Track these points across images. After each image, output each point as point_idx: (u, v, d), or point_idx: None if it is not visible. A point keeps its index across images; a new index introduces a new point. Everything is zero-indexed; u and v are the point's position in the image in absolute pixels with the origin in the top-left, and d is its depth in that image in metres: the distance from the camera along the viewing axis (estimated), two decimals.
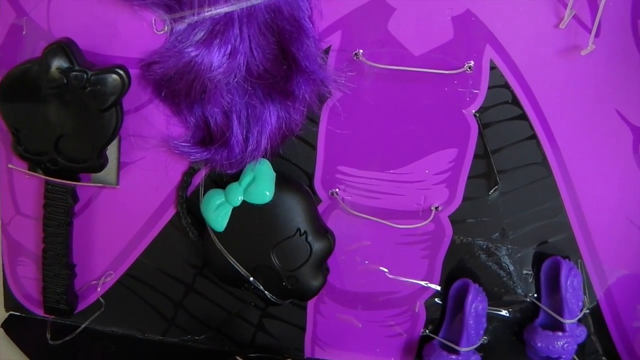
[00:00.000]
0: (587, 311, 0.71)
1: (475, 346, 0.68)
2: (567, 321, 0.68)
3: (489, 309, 0.70)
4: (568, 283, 0.67)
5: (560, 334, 0.68)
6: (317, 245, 0.63)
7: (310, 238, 0.62)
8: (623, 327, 0.71)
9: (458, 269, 0.69)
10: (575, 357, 0.71)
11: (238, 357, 0.68)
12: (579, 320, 0.70)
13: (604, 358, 0.73)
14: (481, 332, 0.69)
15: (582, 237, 0.68)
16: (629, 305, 0.71)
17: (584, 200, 0.67)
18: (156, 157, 0.66)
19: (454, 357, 0.67)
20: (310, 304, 0.69)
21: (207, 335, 0.71)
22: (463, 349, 0.67)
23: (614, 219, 0.68)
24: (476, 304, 0.67)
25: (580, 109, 0.65)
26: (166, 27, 0.62)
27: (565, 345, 0.68)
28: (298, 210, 0.63)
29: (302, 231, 0.62)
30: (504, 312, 0.71)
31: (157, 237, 0.69)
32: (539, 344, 0.68)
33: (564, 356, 0.68)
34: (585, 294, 0.70)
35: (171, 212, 0.68)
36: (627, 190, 0.67)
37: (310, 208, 0.63)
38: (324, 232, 0.64)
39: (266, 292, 0.64)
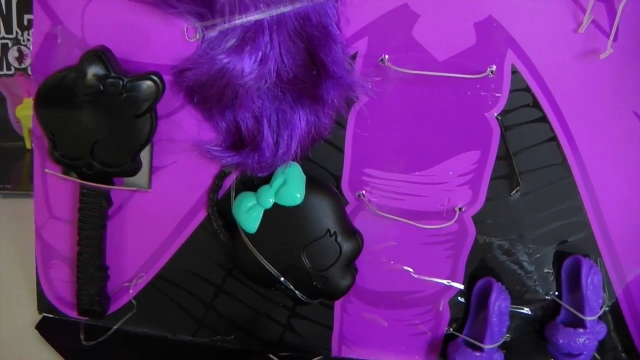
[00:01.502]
0: (607, 308, 0.75)
1: (498, 344, 0.73)
2: (588, 318, 0.72)
3: (511, 307, 0.74)
4: (589, 281, 0.72)
5: (581, 330, 0.72)
6: (347, 246, 0.67)
7: (339, 238, 0.67)
8: None
9: (481, 268, 0.74)
10: (596, 353, 0.76)
11: (271, 356, 0.73)
12: (599, 318, 0.74)
13: (623, 354, 0.77)
14: (504, 329, 0.73)
15: (601, 236, 0.73)
16: None
17: (602, 200, 0.72)
18: (187, 161, 0.70)
19: (478, 354, 0.72)
20: (337, 303, 0.74)
21: (236, 335, 0.76)
22: (487, 346, 0.72)
23: (632, 218, 0.73)
24: (499, 302, 0.71)
25: (599, 111, 0.69)
26: (198, 35, 0.67)
27: (587, 341, 0.72)
28: (327, 212, 0.67)
29: (332, 232, 0.67)
30: (525, 310, 0.75)
31: (188, 239, 0.73)
32: (560, 341, 0.73)
33: (585, 352, 0.73)
34: (605, 291, 0.74)
35: (202, 215, 0.72)
36: None
37: (339, 209, 0.68)
38: (352, 232, 0.68)
39: (297, 292, 0.68)
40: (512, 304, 0.74)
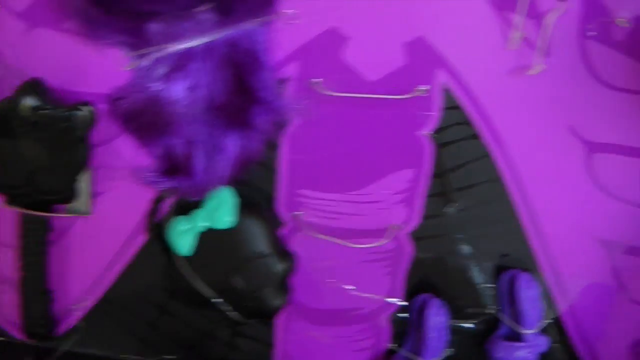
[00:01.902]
0: (551, 321, 0.76)
1: (438, 358, 0.74)
2: (526, 332, 0.74)
3: (453, 322, 0.76)
4: (525, 295, 0.73)
5: (519, 344, 0.74)
6: (279, 267, 0.69)
7: (271, 260, 0.69)
8: (586, 335, 0.77)
9: (422, 284, 0.75)
10: None
11: None
12: (542, 331, 0.76)
13: None
14: (443, 344, 0.75)
15: (541, 250, 0.74)
16: (590, 314, 0.77)
17: (540, 214, 0.73)
18: (127, 186, 0.72)
19: None
20: (280, 322, 0.76)
21: (180, 355, 0.78)
22: None
23: (571, 232, 0.74)
24: (436, 317, 0.73)
25: (534, 127, 0.71)
26: (132, 64, 0.68)
27: (526, 354, 0.74)
28: (260, 234, 0.69)
29: (264, 254, 0.68)
30: (468, 325, 0.77)
31: (131, 262, 0.75)
32: (499, 355, 0.74)
33: None
34: (545, 305, 0.75)
35: (143, 238, 0.74)
36: (583, 204, 0.73)
37: (271, 231, 0.70)
38: (285, 253, 0.70)
39: (231, 312, 0.70)
40: (454, 318, 0.76)
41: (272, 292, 0.69)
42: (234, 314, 0.70)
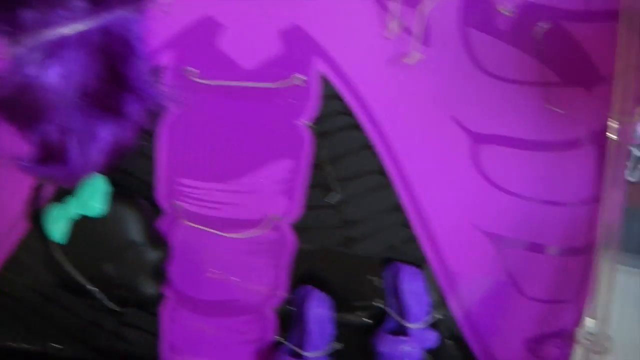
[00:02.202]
0: (441, 317, 0.75)
1: (322, 352, 0.73)
2: (410, 326, 0.73)
3: (340, 315, 0.75)
4: (408, 289, 0.72)
5: (404, 338, 0.73)
6: (152, 255, 0.69)
7: (144, 249, 0.68)
8: (480, 332, 0.76)
9: (307, 276, 0.75)
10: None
11: None
12: (432, 326, 0.75)
13: None
14: (328, 337, 0.74)
15: (428, 243, 0.73)
16: (483, 310, 0.75)
17: (426, 207, 0.72)
18: (7, 174, 0.72)
19: None
20: (164, 312, 0.75)
21: (67, 343, 0.78)
22: (308, 355, 0.73)
23: (458, 226, 0.72)
24: (317, 310, 0.72)
25: (416, 118, 0.69)
26: (6, 52, 0.68)
27: (409, 349, 0.73)
28: (133, 223, 0.69)
29: (137, 242, 0.68)
30: (354, 318, 0.76)
31: (16, 250, 0.75)
32: (383, 349, 0.73)
33: None
34: (436, 299, 0.74)
35: (25, 225, 0.74)
36: (469, 195, 0.71)
37: (144, 220, 0.69)
38: (158, 242, 0.70)
39: (106, 300, 0.70)
40: (340, 311, 0.75)
41: (145, 281, 0.69)
42: (109, 303, 0.70)
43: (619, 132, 0.69)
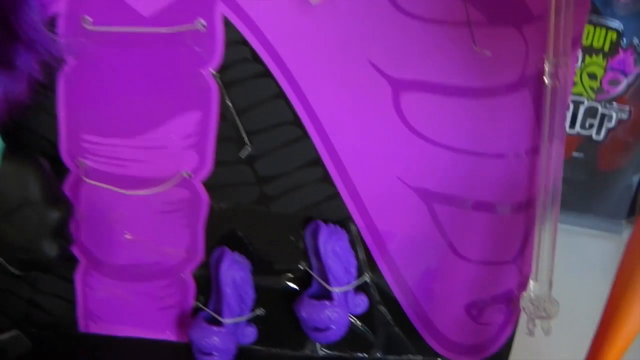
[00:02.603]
0: (368, 279, 0.70)
1: (241, 318, 0.69)
2: (334, 289, 0.68)
3: (262, 279, 0.71)
4: (328, 248, 0.67)
5: (327, 303, 0.68)
6: (51, 215, 0.65)
7: (42, 208, 0.65)
8: (412, 293, 0.71)
9: (223, 237, 0.70)
10: (365, 327, 0.72)
11: (20, 333, 0.72)
12: (360, 289, 0.70)
13: (396, 328, 0.72)
14: (249, 302, 0.70)
15: (351, 199, 0.68)
16: (414, 270, 0.70)
17: (346, 159, 0.67)
18: None
19: (215, 329, 0.69)
20: (78, 277, 0.72)
21: None
22: (226, 321, 0.69)
23: (382, 179, 0.68)
24: (231, 272, 0.68)
25: (329, 62, 0.65)
26: None
27: (333, 315, 0.68)
28: (29, 181, 0.65)
29: (34, 201, 0.65)
30: (279, 282, 0.71)
31: None
32: (304, 314, 0.69)
33: (333, 327, 0.69)
34: (361, 260, 0.70)
35: None
36: (393, 147, 0.66)
37: (43, 178, 0.65)
38: (58, 202, 0.66)
39: (5, 264, 0.67)
40: (263, 274, 0.71)
41: (45, 242, 0.65)
42: (7, 266, 0.67)
43: (556, 76, 0.63)
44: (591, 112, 0.69)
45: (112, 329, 0.73)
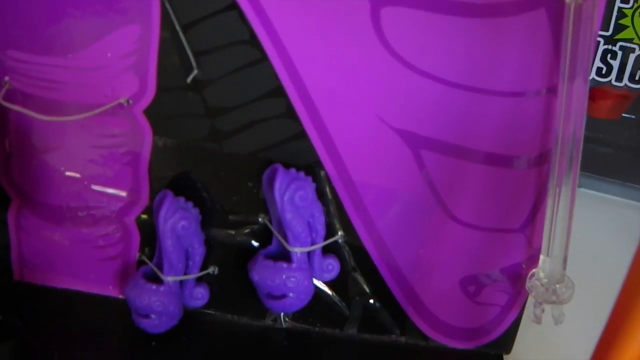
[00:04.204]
0: (340, 240, 0.58)
1: (187, 276, 0.59)
2: (294, 249, 0.57)
3: (216, 231, 0.60)
4: (285, 199, 0.55)
5: (284, 265, 0.57)
6: None
7: None
8: (393, 260, 0.59)
9: (173, 181, 0.60)
10: (336, 297, 0.60)
11: None
12: (333, 252, 0.58)
13: (375, 302, 0.60)
14: (197, 259, 0.59)
15: (319, 139, 0.56)
16: (395, 231, 0.58)
17: (313, 90, 0.55)
18: None
19: (154, 287, 0.58)
20: (11, 217, 0.63)
21: None
22: (167, 278, 0.58)
23: (357, 115, 0.55)
24: (172, 220, 0.57)
25: None
26: None
27: (290, 280, 0.56)
28: None
29: None
30: (231, 237, 0.60)
31: None
32: (256, 277, 0.57)
33: (291, 294, 0.57)
34: (331, 215, 0.58)
35: None
36: (371, 76, 0.54)
37: None
38: None
39: None
40: (215, 227, 0.60)
41: None
42: None
43: None
44: None
45: (49, 279, 0.64)
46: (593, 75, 0.54)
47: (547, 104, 0.52)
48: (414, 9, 0.51)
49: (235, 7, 0.53)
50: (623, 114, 0.59)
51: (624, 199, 0.63)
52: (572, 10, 0.49)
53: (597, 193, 0.64)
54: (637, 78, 0.55)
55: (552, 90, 0.52)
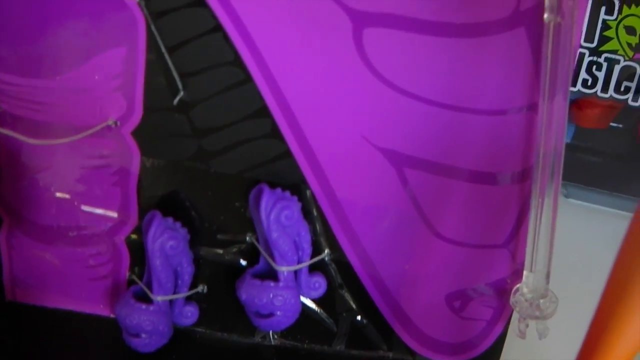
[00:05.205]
0: (326, 258, 0.59)
1: (176, 295, 0.59)
2: (281, 268, 0.57)
3: (205, 251, 0.61)
4: (272, 218, 0.56)
5: (271, 284, 0.57)
6: None
7: None
8: (379, 276, 0.59)
9: (161, 200, 0.60)
10: (323, 314, 0.61)
11: None
12: (319, 269, 0.59)
13: (362, 318, 0.61)
14: (186, 278, 0.60)
15: (305, 158, 0.57)
16: (380, 248, 0.59)
17: (297, 110, 0.56)
18: None
19: (144, 307, 0.59)
20: (2, 237, 0.64)
21: None
22: (158, 298, 0.59)
23: (341, 134, 0.56)
24: (160, 240, 0.58)
25: None
26: None
27: (278, 299, 0.57)
28: None
29: None
30: (219, 256, 0.61)
31: None
32: (243, 296, 0.58)
33: (278, 313, 0.58)
34: (318, 234, 0.58)
35: None
36: (354, 97, 0.55)
37: None
38: None
39: None
40: (204, 245, 0.61)
41: None
42: None
43: (559, 10, 0.49)
44: (628, 73, 0.55)
45: (41, 299, 0.65)
46: (579, 87, 0.54)
47: (529, 121, 0.53)
48: (395, 30, 0.52)
49: (219, 29, 0.54)
50: (610, 123, 0.60)
51: (612, 209, 0.63)
52: (551, 29, 0.49)
53: (585, 203, 0.64)
54: (622, 89, 0.55)
55: (533, 107, 0.52)
